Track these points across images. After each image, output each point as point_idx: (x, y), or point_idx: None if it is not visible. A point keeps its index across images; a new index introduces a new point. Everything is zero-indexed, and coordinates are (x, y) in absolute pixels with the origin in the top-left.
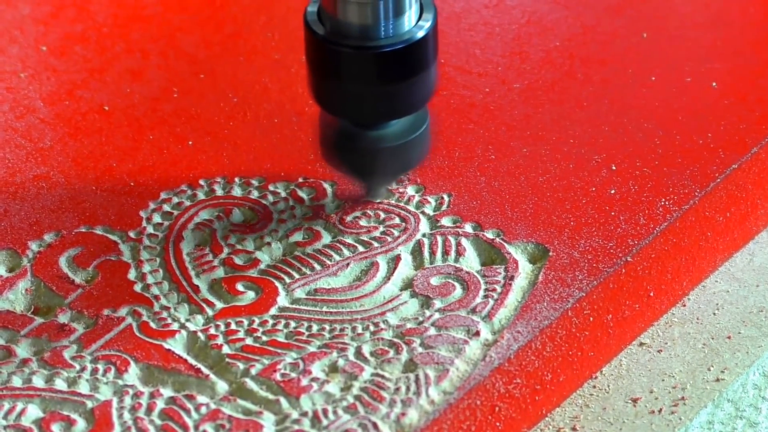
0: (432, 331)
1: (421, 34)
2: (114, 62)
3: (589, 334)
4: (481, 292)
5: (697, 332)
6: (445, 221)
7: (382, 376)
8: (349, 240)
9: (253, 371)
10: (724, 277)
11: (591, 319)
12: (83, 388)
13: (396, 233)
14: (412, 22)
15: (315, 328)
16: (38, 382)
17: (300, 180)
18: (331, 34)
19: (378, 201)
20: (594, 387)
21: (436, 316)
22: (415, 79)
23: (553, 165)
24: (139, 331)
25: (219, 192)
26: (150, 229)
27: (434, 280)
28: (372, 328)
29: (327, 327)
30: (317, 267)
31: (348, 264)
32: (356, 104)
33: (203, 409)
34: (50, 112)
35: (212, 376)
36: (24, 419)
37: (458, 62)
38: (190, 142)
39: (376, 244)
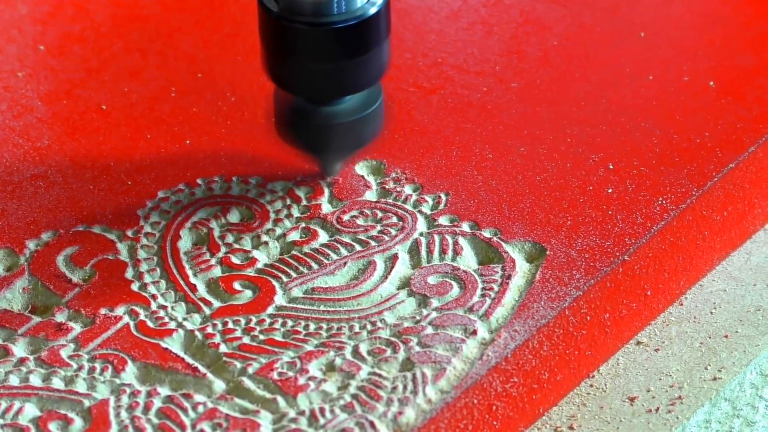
0: (429, 330)
1: (373, 10)
2: (112, 62)
3: (586, 332)
4: (479, 291)
5: (694, 331)
6: (443, 220)
7: (380, 375)
8: (346, 239)
9: (250, 370)
10: (722, 276)
11: (588, 317)
12: (80, 386)
13: (393, 232)
14: None
15: (312, 327)
16: (35, 380)
17: (297, 179)
18: (285, 11)
19: (331, 177)
20: (591, 386)
21: (434, 315)
22: (368, 56)
23: (550, 164)
24: (136, 329)
25: (216, 191)
26: (147, 228)
27: (431, 279)
28: (369, 327)
29: (324, 326)
30: (314, 266)
31: (345, 263)
32: (310, 81)
33: (200, 408)
34: (48, 111)
35: (209, 375)
36: (21, 418)
37: (456, 61)
38: (188, 142)
39: (373, 243)
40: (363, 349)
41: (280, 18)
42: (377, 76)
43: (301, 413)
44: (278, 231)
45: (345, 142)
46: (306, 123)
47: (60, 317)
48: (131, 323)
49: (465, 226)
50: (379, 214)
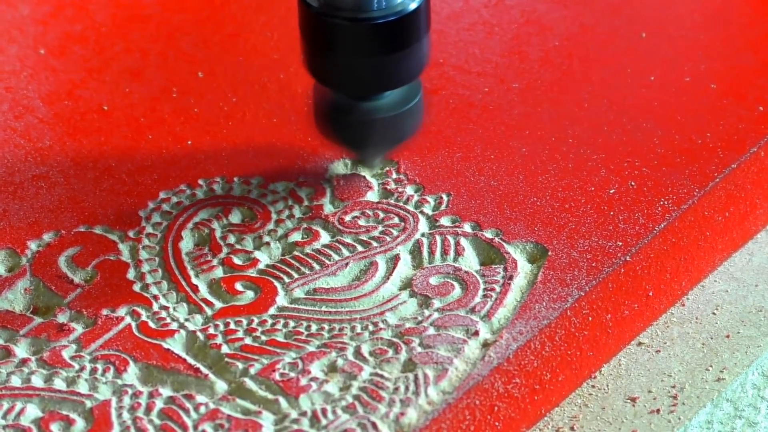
0: (431, 331)
1: (413, 5)
2: (113, 62)
3: (588, 333)
4: (480, 292)
5: (696, 332)
6: (444, 221)
7: (381, 376)
8: (348, 240)
9: (252, 371)
10: (723, 276)
11: (590, 318)
12: (82, 387)
13: (395, 233)
14: None
15: (314, 327)
16: (37, 381)
17: (299, 179)
18: (325, 7)
19: (372, 171)
20: (593, 387)
21: (435, 315)
22: (408, 51)
23: (552, 164)
24: (138, 330)
25: (218, 191)
26: (149, 229)
27: (433, 280)
28: (371, 327)
29: (326, 327)
30: (316, 267)
31: (347, 264)
32: (350, 76)
33: (202, 409)
34: (49, 111)
35: (211, 376)
36: (23, 419)
37: (457, 62)
38: (189, 142)
39: (375, 244)
40: (365, 349)
41: (320, 13)
42: (417, 71)
43: (303, 414)
44: (280, 232)
45: (385, 137)
46: (346, 118)
47: (62, 318)
48: (133, 324)
49: (467, 227)
50: (381, 215)
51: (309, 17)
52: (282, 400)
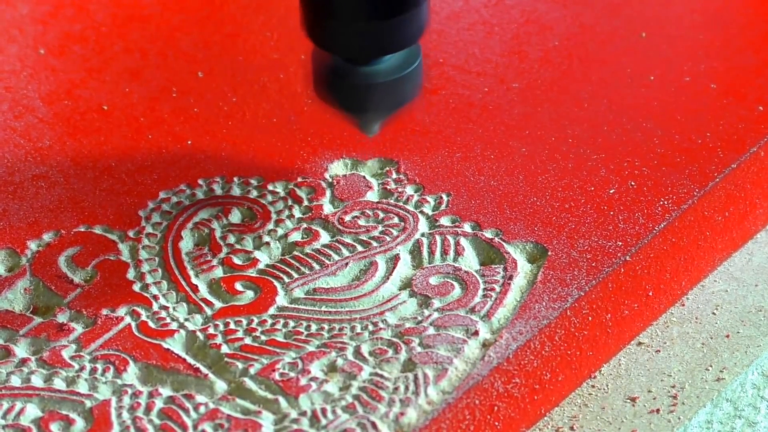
0: (431, 331)
1: None
2: (113, 62)
3: (587, 333)
4: (480, 292)
5: (695, 332)
6: (444, 221)
7: (381, 376)
8: (348, 239)
9: (251, 371)
10: (723, 276)
11: (590, 318)
12: (82, 387)
13: (395, 233)
14: None
15: (314, 327)
16: (37, 381)
17: (299, 179)
18: None
19: (371, 136)
20: (593, 386)
21: (435, 315)
22: (408, 15)
23: (551, 164)
24: (137, 330)
25: (218, 191)
26: (149, 229)
27: (433, 280)
28: (371, 327)
29: (326, 326)
30: (316, 266)
31: (347, 263)
32: (349, 40)
33: (202, 409)
34: (49, 111)
35: (211, 376)
36: (23, 418)
37: (457, 61)
38: (189, 142)
39: (375, 244)
40: (364, 349)
41: None
42: (416, 36)
43: (303, 414)
44: (280, 231)
45: (384, 101)
46: (345, 82)
47: (61, 318)
48: (133, 324)
49: (466, 227)
50: (381, 215)
51: None
52: (282, 400)
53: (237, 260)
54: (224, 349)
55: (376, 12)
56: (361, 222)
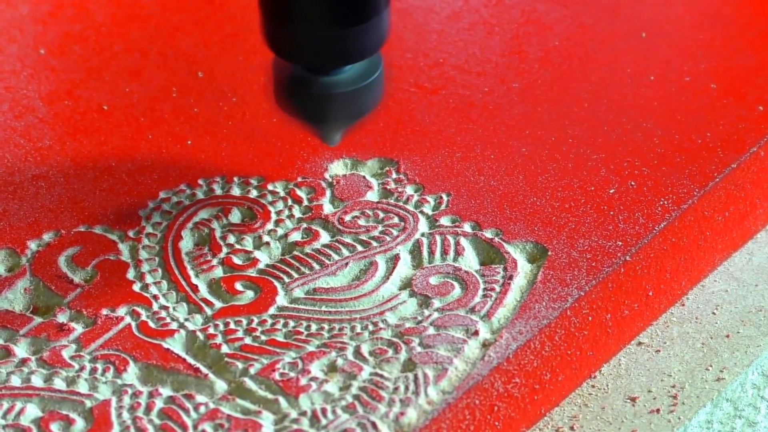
0: (431, 331)
1: None
2: (113, 62)
3: (587, 333)
4: (480, 292)
5: (695, 332)
6: (444, 221)
7: (381, 376)
8: (348, 239)
9: (252, 371)
10: (723, 276)
11: (590, 318)
12: (82, 387)
13: (395, 233)
14: None
15: (314, 327)
16: (37, 381)
17: (299, 179)
18: None
19: (332, 146)
20: (593, 386)
21: (435, 315)
22: (368, 24)
23: (551, 164)
24: (138, 330)
25: (218, 191)
26: (149, 229)
27: (433, 280)
28: (371, 327)
29: (326, 326)
30: (316, 266)
31: (347, 263)
32: (310, 49)
33: (202, 409)
34: (49, 111)
35: (211, 376)
36: (23, 418)
37: (457, 61)
38: (189, 142)
39: (375, 244)
40: (365, 349)
41: None
42: (377, 45)
43: (303, 414)
44: (280, 231)
45: (345, 111)
46: (305, 92)
47: (61, 318)
48: (133, 324)
49: (466, 227)
50: (381, 215)
51: None
52: (282, 400)
53: (237, 260)
54: (224, 349)
55: (337, 21)
56: (361, 222)
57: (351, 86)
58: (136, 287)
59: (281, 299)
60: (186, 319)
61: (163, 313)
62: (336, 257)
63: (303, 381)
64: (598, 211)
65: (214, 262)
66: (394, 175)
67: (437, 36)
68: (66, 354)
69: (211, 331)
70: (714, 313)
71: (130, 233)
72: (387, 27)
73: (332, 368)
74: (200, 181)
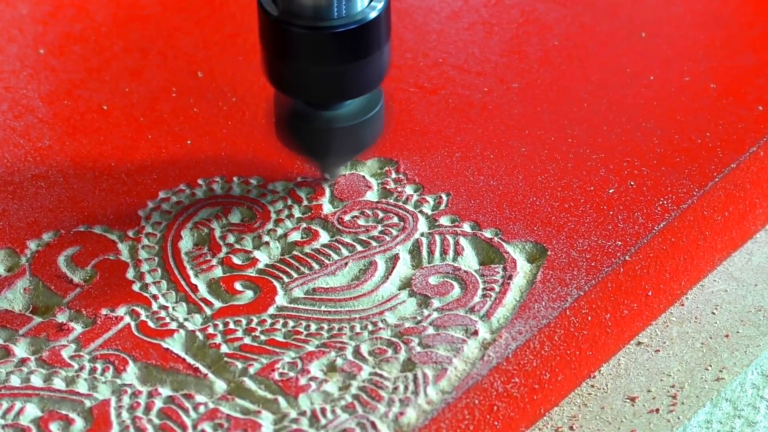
0: (430, 331)
1: (373, 14)
2: (113, 62)
3: (587, 333)
4: (480, 292)
5: (695, 331)
6: (444, 220)
7: (381, 376)
8: (347, 239)
9: (251, 370)
10: (723, 276)
11: (589, 318)
12: (81, 387)
13: (394, 232)
14: (365, 3)
15: (313, 327)
16: (36, 381)
17: (298, 179)
18: (285, 15)
19: (332, 180)
20: (592, 386)
21: (435, 315)
22: (369, 60)
23: (551, 164)
24: (137, 330)
25: (218, 191)
26: (148, 229)
27: (432, 280)
28: (370, 327)
29: (325, 326)
30: (316, 266)
31: (346, 263)
32: (310, 84)
33: (201, 409)
34: (49, 111)
35: (210, 376)
36: (22, 418)
37: (457, 61)
38: (189, 142)
39: (374, 244)
40: (364, 349)
41: (279, 21)
42: (378, 80)
43: (303, 414)
44: (279, 231)
45: (345, 146)
46: (306, 127)
47: (61, 318)
48: (132, 324)
49: (466, 227)
50: (380, 215)
51: (268, 25)
52: (281, 400)
53: (236, 260)
54: (224, 348)
55: (337, 57)
56: (361, 222)
57: (352, 121)
58: (136, 287)
59: (281, 299)
60: (185, 319)
61: (163, 313)
62: (335, 257)
63: (302, 381)
64: (597, 211)
65: (214, 261)
66: (393, 175)
67: (437, 36)
68: (65, 354)
69: (210, 330)
70: (713, 313)
71: (130, 233)
72: (388, 61)
73: (332, 368)
74: (200, 181)
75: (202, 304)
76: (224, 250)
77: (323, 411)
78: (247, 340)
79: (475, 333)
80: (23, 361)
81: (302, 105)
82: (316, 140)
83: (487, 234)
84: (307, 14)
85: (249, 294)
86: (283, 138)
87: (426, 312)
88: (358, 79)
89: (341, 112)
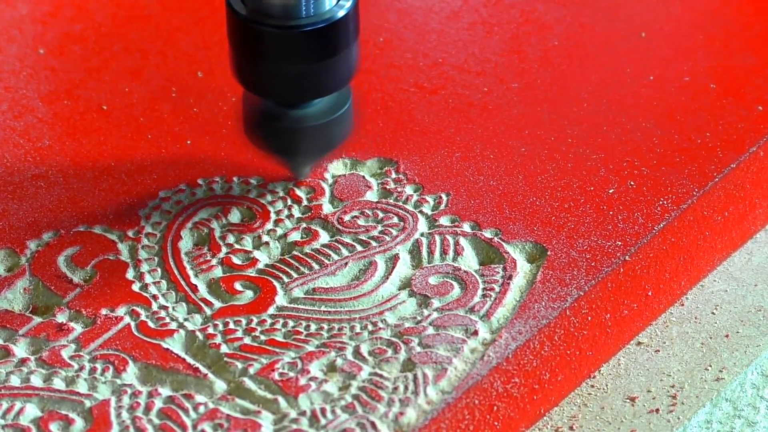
0: (430, 331)
1: (341, 13)
2: (112, 62)
3: (587, 333)
4: (480, 292)
5: (695, 332)
6: (444, 220)
7: (381, 376)
8: (347, 239)
9: (251, 370)
10: (723, 276)
11: (589, 318)
12: (81, 387)
13: (394, 232)
14: (333, 2)
15: (313, 327)
16: (36, 381)
17: (298, 179)
18: (253, 14)
19: (302, 179)
20: (592, 386)
21: (435, 315)
22: (337, 58)
23: (551, 164)
24: (137, 330)
25: (217, 191)
26: (148, 229)
27: (432, 280)
28: (370, 327)
29: (325, 326)
30: (315, 266)
31: (346, 263)
32: (278, 84)
33: (201, 409)
34: (49, 111)
35: (210, 376)
36: (22, 418)
37: (456, 61)
38: (189, 142)
39: (374, 244)
40: (364, 349)
41: (248, 21)
42: (346, 78)
43: (302, 414)
44: (279, 231)
45: (314, 145)
46: (275, 126)
47: (61, 318)
48: (132, 324)
49: (466, 227)
50: (380, 215)
51: (237, 24)
52: (281, 400)
53: (236, 260)
54: (223, 348)
55: (306, 55)
56: (361, 222)
57: (321, 120)
58: (136, 287)
59: (280, 299)
60: (185, 319)
61: (163, 313)
62: (335, 257)
63: (302, 381)
64: (597, 211)
65: (214, 261)
66: (393, 175)
67: (436, 36)
68: (65, 354)
69: (210, 330)
70: (713, 313)
71: (130, 233)
72: (356, 60)
73: (331, 368)
74: (200, 181)
75: (202, 304)
76: (224, 250)
77: (323, 411)
78: (247, 340)
79: (475, 333)
80: (23, 361)
81: (271, 104)
82: (286, 139)
83: (487, 234)
84: (275, 13)
85: (249, 294)
86: (252, 137)
87: (426, 312)
88: (326, 78)
89: (309, 111)
